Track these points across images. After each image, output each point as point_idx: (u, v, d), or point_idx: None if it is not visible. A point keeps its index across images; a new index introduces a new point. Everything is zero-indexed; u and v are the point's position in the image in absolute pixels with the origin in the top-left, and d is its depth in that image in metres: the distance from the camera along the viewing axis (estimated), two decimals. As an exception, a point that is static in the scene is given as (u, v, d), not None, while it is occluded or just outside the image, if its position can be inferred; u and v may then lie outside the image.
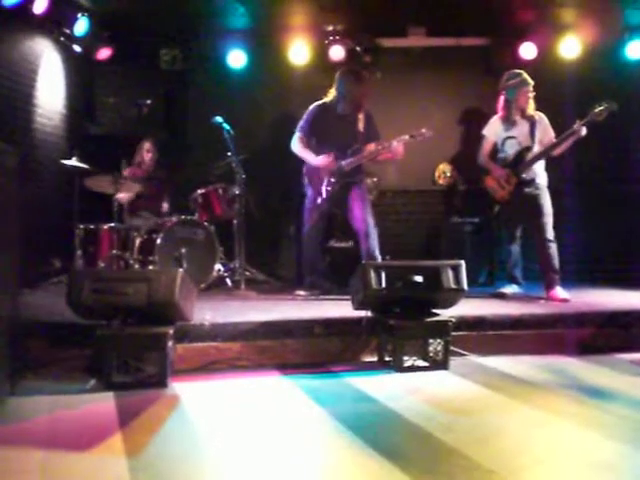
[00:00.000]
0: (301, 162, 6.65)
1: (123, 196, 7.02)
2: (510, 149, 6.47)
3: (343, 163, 6.45)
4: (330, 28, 7.92)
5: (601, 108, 6.05)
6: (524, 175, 6.37)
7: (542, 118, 6.49)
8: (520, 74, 6.45)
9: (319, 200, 6.53)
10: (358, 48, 7.94)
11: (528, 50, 7.83)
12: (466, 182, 8.06)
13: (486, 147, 6.65)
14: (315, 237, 6.68)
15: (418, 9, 7.64)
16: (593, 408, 3.88)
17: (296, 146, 6.61)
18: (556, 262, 6.32)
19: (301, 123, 6.62)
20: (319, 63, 7.95)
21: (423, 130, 6.39)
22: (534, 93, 6.43)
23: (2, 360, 3.83)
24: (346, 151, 6.49)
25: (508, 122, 6.49)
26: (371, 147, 6.54)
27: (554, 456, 3.14)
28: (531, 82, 6.41)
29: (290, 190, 7.07)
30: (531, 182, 6.39)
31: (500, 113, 6.58)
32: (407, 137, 6.38)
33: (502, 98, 6.55)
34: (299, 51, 7.96)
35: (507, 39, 7.95)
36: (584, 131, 6.14)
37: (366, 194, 6.72)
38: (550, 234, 6.34)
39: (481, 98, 7.69)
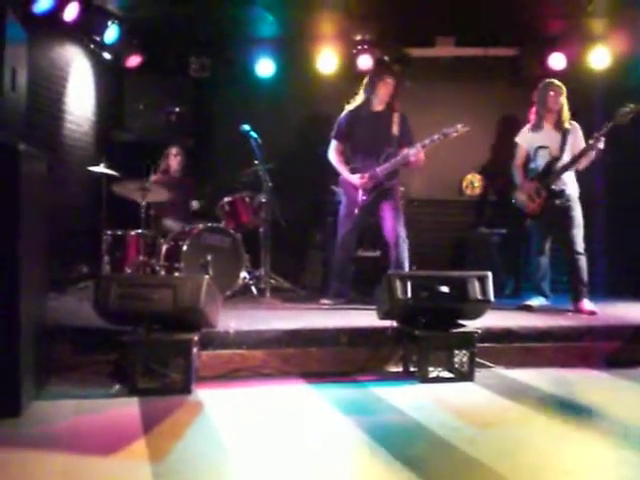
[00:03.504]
0: (330, 170, 6.65)
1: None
2: (541, 160, 6.37)
3: (377, 170, 6.36)
4: (358, 37, 7.97)
5: (626, 109, 5.94)
6: (553, 186, 6.29)
7: (576, 128, 6.39)
8: (547, 79, 6.45)
9: (354, 209, 6.45)
10: (386, 58, 7.95)
11: (557, 60, 7.79)
12: (495, 193, 8.01)
13: (519, 156, 6.56)
14: (348, 245, 6.59)
15: (447, 19, 7.63)
16: (619, 423, 3.82)
17: (332, 156, 6.58)
18: (585, 274, 6.23)
19: (334, 131, 6.58)
20: (347, 72, 7.97)
21: (458, 126, 6.26)
22: (563, 95, 6.36)
23: (28, 364, 3.85)
24: (379, 157, 6.41)
25: (538, 128, 6.43)
26: (404, 151, 6.38)
27: (579, 470, 3.09)
28: (556, 82, 6.35)
29: (316, 198, 7.05)
30: (561, 193, 6.30)
31: (531, 121, 6.54)
32: (427, 141, 6.28)
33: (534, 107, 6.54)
34: (327, 60, 7.99)
35: (536, 49, 7.92)
36: (601, 144, 6.05)
37: (399, 203, 6.60)
38: (580, 246, 6.25)
39: (509, 108, 7.66)
